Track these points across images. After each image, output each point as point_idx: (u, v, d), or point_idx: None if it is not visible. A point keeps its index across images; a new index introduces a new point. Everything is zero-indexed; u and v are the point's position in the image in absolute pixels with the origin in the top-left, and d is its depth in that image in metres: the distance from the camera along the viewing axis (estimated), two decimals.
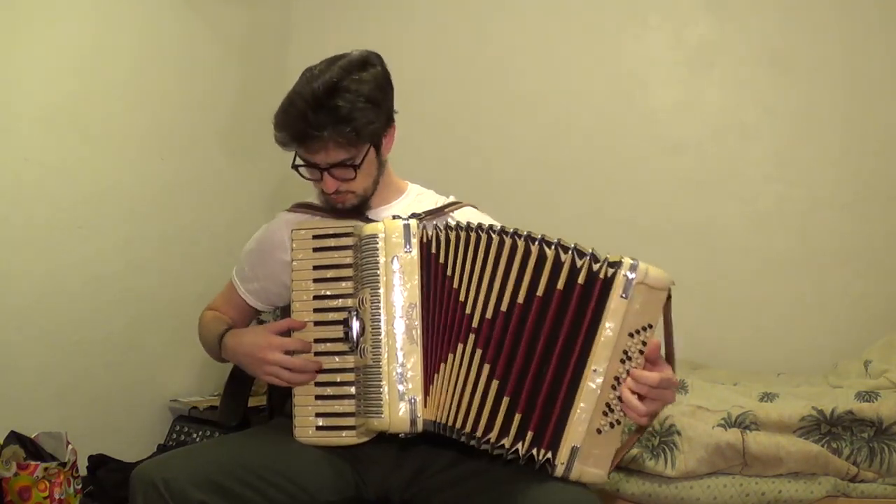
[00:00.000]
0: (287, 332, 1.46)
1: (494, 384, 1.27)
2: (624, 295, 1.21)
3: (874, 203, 2.57)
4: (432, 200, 1.59)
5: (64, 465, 1.99)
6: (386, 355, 1.31)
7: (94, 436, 2.36)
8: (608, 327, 1.21)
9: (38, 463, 1.95)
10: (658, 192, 2.78)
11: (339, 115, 1.36)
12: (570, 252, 1.24)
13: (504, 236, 1.28)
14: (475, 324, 1.29)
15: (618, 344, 1.22)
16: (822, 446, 1.83)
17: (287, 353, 1.43)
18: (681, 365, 2.50)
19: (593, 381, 1.22)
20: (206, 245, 2.79)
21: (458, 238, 1.33)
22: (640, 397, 1.23)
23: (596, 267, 1.23)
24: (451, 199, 1.61)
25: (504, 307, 1.27)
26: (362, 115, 1.38)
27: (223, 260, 2.75)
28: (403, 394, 1.30)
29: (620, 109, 2.84)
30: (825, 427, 1.85)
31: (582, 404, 1.22)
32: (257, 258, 1.61)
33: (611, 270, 1.22)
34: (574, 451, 1.23)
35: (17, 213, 2.21)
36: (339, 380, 1.42)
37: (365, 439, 1.39)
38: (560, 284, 1.24)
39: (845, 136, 2.60)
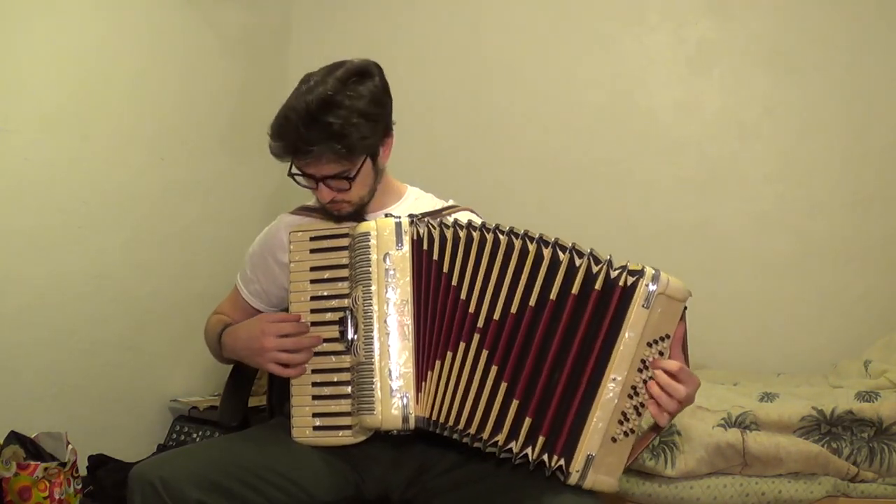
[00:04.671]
0: None
1: (503, 386, 1.26)
2: (645, 305, 1.21)
3: (874, 203, 2.57)
4: (430, 204, 1.59)
5: (64, 465, 1.99)
6: (378, 352, 1.32)
7: (94, 436, 2.36)
8: (628, 336, 1.22)
9: (38, 463, 1.95)
10: (658, 192, 2.78)
11: (332, 131, 1.35)
12: (585, 257, 1.25)
13: (513, 237, 1.29)
14: (480, 324, 1.29)
15: (636, 353, 1.22)
16: (822, 446, 1.83)
17: (284, 336, 1.42)
18: None
19: (611, 391, 1.22)
20: (207, 245, 2.79)
21: (455, 236, 1.33)
22: (667, 393, 1.24)
23: (614, 274, 1.24)
24: (451, 202, 1.62)
25: (514, 309, 1.27)
26: (355, 131, 1.37)
27: (223, 260, 2.75)
28: (396, 391, 1.30)
29: (620, 109, 2.83)
30: (825, 427, 1.85)
31: (599, 412, 1.22)
32: (258, 259, 1.61)
33: (631, 279, 1.23)
34: (589, 460, 1.23)
35: (17, 213, 2.21)
36: (335, 380, 1.41)
37: (362, 438, 1.39)
38: (575, 289, 1.24)
39: (845, 136, 2.60)
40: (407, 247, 1.35)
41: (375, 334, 1.32)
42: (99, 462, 2.31)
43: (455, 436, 1.30)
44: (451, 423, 1.29)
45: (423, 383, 1.31)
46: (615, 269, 1.24)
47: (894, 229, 2.54)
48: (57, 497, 1.95)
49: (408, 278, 1.34)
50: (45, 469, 1.94)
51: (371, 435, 1.38)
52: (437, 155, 2.94)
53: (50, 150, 2.28)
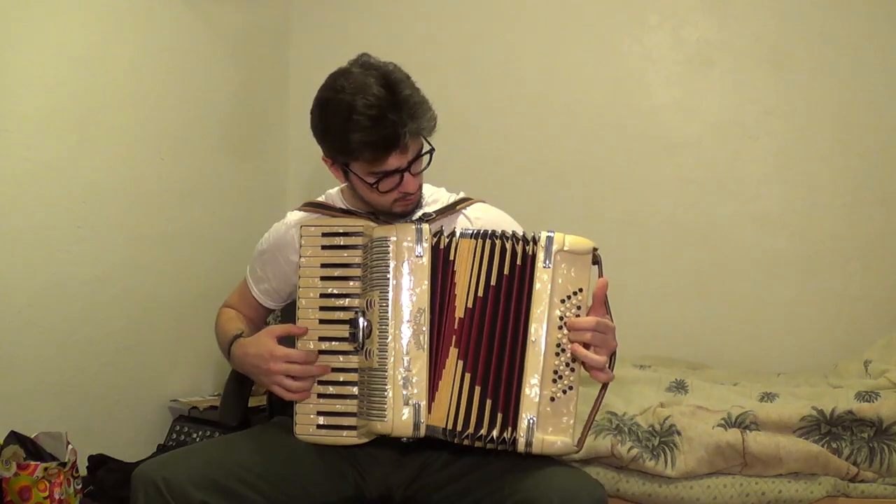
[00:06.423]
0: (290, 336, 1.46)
1: (468, 377, 1.32)
2: (546, 265, 1.30)
3: (874, 203, 2.57)
4: (444, 198, 1.60)
5: (64, 465, 1.98)
6: (392, 359, 1.32)
7: (94, 436, 2.36)
8: (538, 297, 1.31)
9: (38, 463, 1.94)
10: (658, 191, 2.78)
11: (412, 103, 1.37)
12: (509, 240, 1.34)
13: (475, 239, 1.36)
14: (455, 325, 1.35)
15: (551, 312, 1.30)
16: (822, 446, 1.83)
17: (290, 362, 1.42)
18: (680, 365, 2.52)
19: (534, 351, 1.30)
20: (206, 245, 2.79)
21: (464, 244, 1.37)
22: (586, 345, 1.29)
23: (528, 247, 1.33)
24: (462, 194, 1.62)
25: (470, 303, 1.35)
26: (423, 100, 1.41)
27: (223, 260, 2.75)
28: (408, 398, 1.31)
29: (620, 109, 2.83)
30: (825, 427, 1.85)
31: (528, 375, 1.29)
32: (268, 258, 1.61)
33: (533, 247, 1.32)
34: (531, 423, 1.28)
35: (16, 213, 2.21)
36: (341, 379, 1.42)
37: (365, 440, 1.40)
38: (506, 270, 1.33)
39: (845, 136, 2.60)
40: (427, 255, 1.35)
41: (390, 341, 1.33)
42: (99, 462, 2.30)
43: (453, 438, 1.31)
44: (451, 427, 1.31)
45: (436, 393, 1.33)
46: (528, 243, 1.33)
47: (894, 229, 2.54)
48: (57, 497, 1.95)
49: (425, 286, 1.35)
50: (45, 469, 1.94)
51: (375, 437, 1.38)
52: (435, 155, 2.93)
53: (50, 150, 2.28)
